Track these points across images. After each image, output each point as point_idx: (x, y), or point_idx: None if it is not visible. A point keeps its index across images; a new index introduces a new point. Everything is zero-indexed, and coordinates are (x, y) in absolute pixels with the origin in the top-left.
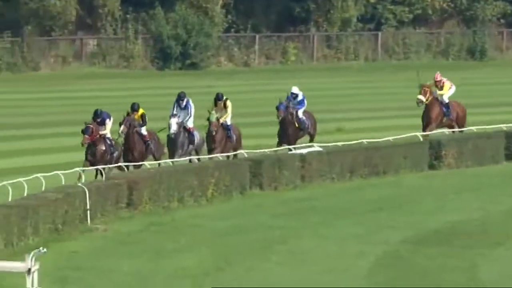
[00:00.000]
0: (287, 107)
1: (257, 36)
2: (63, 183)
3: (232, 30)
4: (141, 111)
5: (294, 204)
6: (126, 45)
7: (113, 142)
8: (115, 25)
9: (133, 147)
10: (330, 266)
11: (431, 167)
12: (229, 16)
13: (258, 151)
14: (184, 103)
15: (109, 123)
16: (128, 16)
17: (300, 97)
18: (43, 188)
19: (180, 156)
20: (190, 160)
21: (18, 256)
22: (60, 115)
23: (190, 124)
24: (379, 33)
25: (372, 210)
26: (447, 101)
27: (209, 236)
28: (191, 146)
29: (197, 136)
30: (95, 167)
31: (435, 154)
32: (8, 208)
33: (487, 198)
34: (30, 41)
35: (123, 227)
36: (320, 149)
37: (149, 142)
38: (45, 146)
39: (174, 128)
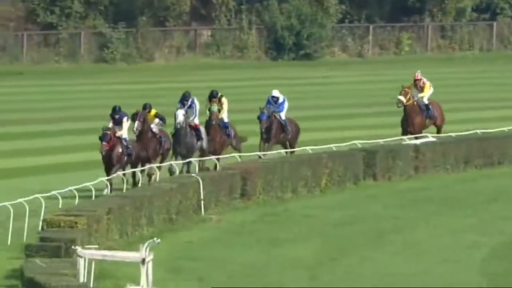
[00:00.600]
0: (269, 117)
1: (371, 27)
2: (177, 173)
3: (346, 20)
4: (153, 111)
5: (407, 194)
6: (240, 36)
7: (129, 143)
8: (229, 16)
9: (146, 146)
10: (444, 257)
11: None
12: (343, 7)
13: (372, 141)
14: (189, 103)
15: (126, 123)
16: (242, 6)
17: (280, 100)
18: (157, 179)
19: (188, 154)
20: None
21: (132, 246)
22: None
23: (196, 121)
24: (494, 23)
25: (487, 201)
26: (426, 102)
27: (323, 227)
28: (199, 143)
29: (204, 132)
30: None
31: None
32: (123, 199)
33: None
34: (145, 32)
35: (237, 218)
36: (434, 139)
37: (162, 139)
38: None
39: (180, 118)
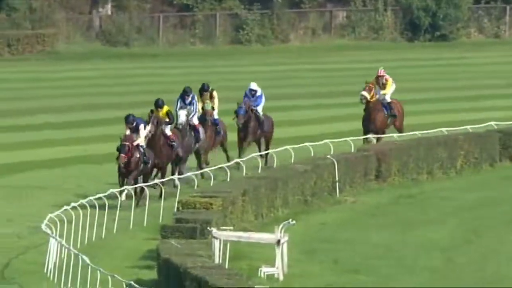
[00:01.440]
0: (246, 111)
1: (507, 7)
2: (311, 155)
3: (482, 1)
4: (165, 108)
5: None
6: (375, 17)
7: (146, 151)
8: None
9: (159, 152)
10: None
11: None
12: None
13: (508, 123)
14: (190, 99)
15: (143, 130)
16: None
17: (258, 94)
18: (292, 160)
19: (185, 156)
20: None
21: (267, 227)
22: (312, 87)
23: (195, 120)
24: None
25: None
26: (389, 100)
27: (458, 209)
28: (197, 145)
29: (202, 132)
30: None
31: None
32: (258, 180)
33: None
34: (280, 13)
35: (372, 199)
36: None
37: (174, 143)
38: (296, 118)
39: (182, 119)
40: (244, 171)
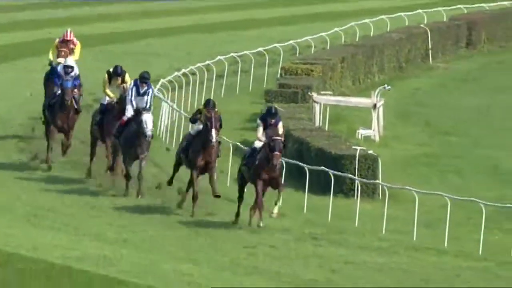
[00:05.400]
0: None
1: None
2: (406, 24)
3: None
4: None
5: None
6: None
7: None
8: None
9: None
10: None
11: None
12: None
13: None
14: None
15: (281, 129)
16: None
17: None
18: (388, 29)
19: None
20: None
21: (364, 92)
22: None
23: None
24: None
25: None
26: None
27: None
28: None
29: None
30: None
31: None
32: (356, 48)
33: None
34: None
35: (462, 66)
36: None
37: None
38: None
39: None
40: (343, 39)
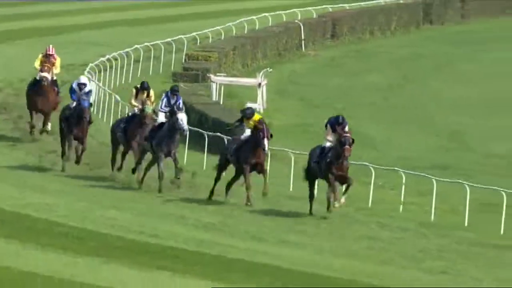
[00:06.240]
0: None
1: None
2: (284, 20)
3: None
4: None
5: (456, 36)
6: None
7: None
8: None
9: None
10: (487, 87)
11: None
12: None
13: None
14: (175, 100)
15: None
16: None
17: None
18: (270, 24)
19: None
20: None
21: (251, 74)
22: None
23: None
24: None
25: None
26: None
27: (393, 60)
28: None
29: None
30: None
31: None
32: (244, 39)
33: None
34: None
35: (328, 53)
36: None
37: None
38: None
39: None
40: (234, 31)
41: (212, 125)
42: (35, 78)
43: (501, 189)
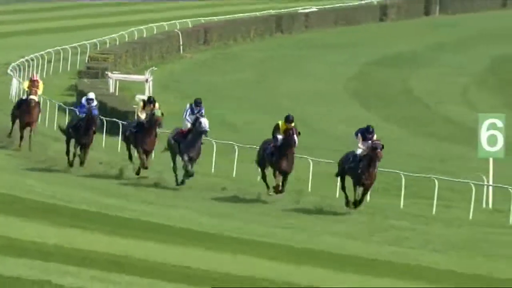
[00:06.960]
0: None
1: None
2: (166, 29)
3: None
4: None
5: (302, 42)
6: None
7: None
8: None
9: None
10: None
11: None
12: None
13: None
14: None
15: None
16: None
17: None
18: (155, 32)
19: None
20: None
21: (140, 72)
22: None
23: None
24: None
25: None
26: None
27: (253, 61)
28: None
29: None
30: None
31: None
32: (135, 44)
33: None
34: None
35: (202, 56)
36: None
37: None
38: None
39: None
40: (127, 38)
41: (111, 112)
42: (21, 98)
43: (333, 161)
